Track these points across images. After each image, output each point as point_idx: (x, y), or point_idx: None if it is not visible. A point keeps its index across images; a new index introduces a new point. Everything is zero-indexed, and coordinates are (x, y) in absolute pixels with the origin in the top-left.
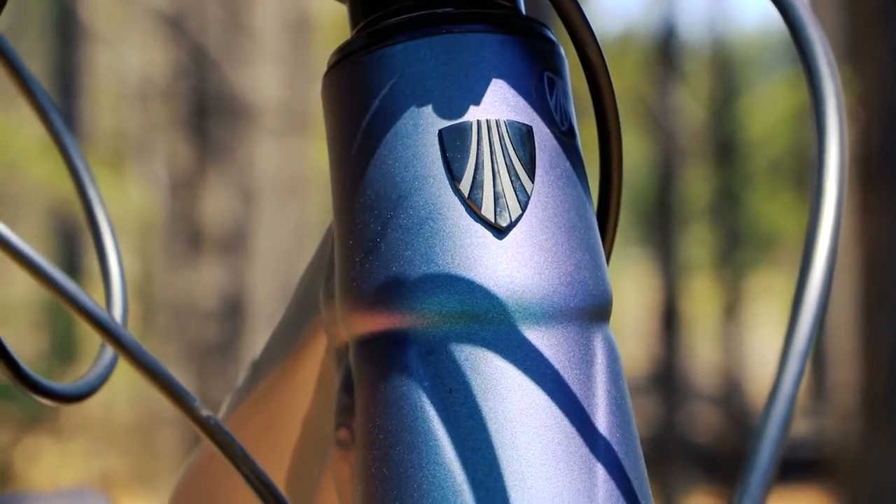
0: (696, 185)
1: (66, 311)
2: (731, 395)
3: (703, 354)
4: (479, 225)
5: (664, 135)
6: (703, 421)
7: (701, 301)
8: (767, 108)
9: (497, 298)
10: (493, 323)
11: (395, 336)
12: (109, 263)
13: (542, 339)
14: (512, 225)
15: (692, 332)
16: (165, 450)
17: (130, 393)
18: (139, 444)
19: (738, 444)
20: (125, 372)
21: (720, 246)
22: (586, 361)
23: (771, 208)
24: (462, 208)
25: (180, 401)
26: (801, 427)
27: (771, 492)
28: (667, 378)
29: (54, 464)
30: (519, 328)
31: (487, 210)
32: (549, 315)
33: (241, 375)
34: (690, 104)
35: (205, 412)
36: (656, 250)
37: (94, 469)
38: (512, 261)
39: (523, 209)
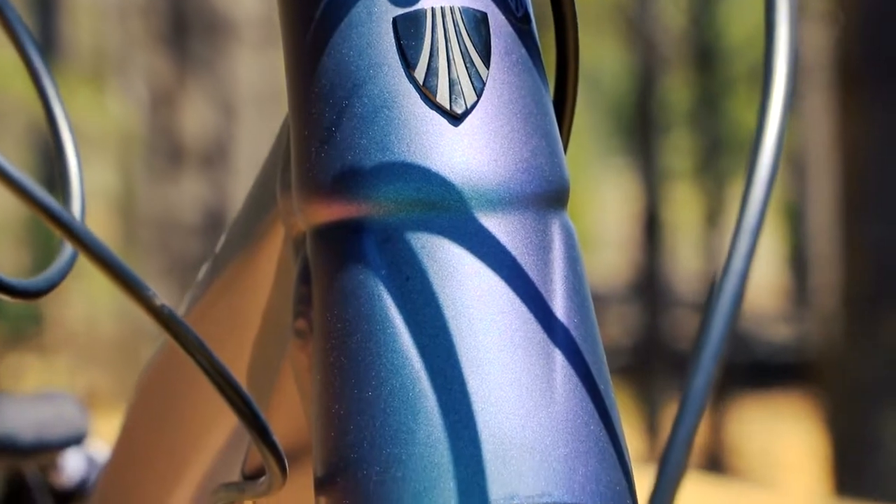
0: (676, 92)
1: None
2: None
3: (684, 262)
4: (434, 112)
5: (643, 42)
6: (686, 328)
7: (682, 208)
8: (748, 14)
9: (453, 185)
10: (449, 210)
11: (351, 224)
12: (67, 159)
13: (498, 225)
14: (467, 112)
15: (674, 239)
16: None
17: (113, 309)
18: (123, 360)
19: None
20: (108, 288)
21: (701, 153)
22: (544, 248)
23: (751, 115)
24: (417, 96)
25: (134, 291)
26: (783, 331)
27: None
28: (649, 286)
29: (39, 380)
30: (475, 215)
31: (443, 97)
32: (505, 201)
33: (202, 269)
34: (670, 11)
35: (159, 302)
36: (637, 159)
37: (79, 384)
38: (468, 148)
39: (479, 96)
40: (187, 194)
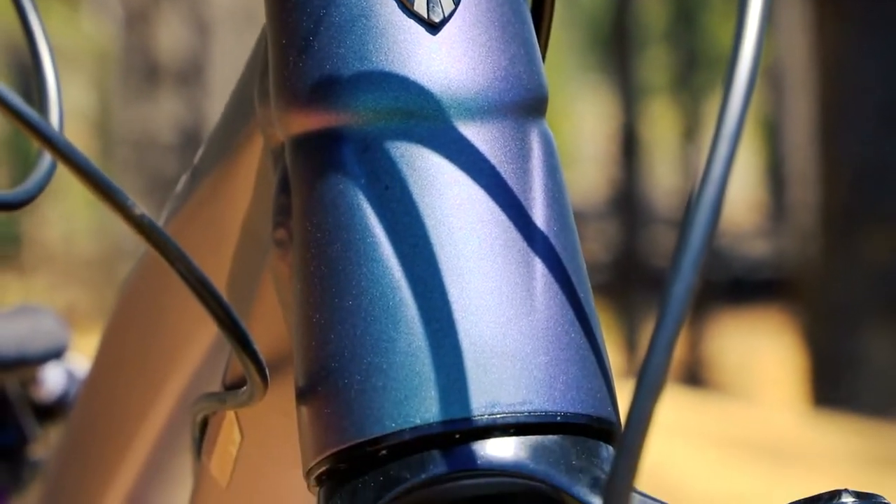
0: (653, 7)
1: (24, 144)
2: None
3: (662, 178)
4: (412, 21)
5: None
6: (663, 244)
7: (659, 125)
8: None
9: (431, 94)
10: (427, 119)
11: (329, 134)
12: (44, 70)
13: (477, 134)
14: (445, 20)
15: (651, 155)
16: None
17: (91, 228)
18: (101, 278)
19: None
20: (86, 207)
21: (677, 69)
22: (523, 156)
23: (728, 29)
24: (395, 4)
25: (114, 200)
26: (761, 248)
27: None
28: (627, 202)
29: (17, 299)
30: (454, 124)
31: (420, 5)
32: (484, 110)
33: (181, 181)
34: None
35: (139, 212)
36: (613, 75)
37: (58, 303)
38: (446, 56)
39: (456, 4)
40: (163, 113)
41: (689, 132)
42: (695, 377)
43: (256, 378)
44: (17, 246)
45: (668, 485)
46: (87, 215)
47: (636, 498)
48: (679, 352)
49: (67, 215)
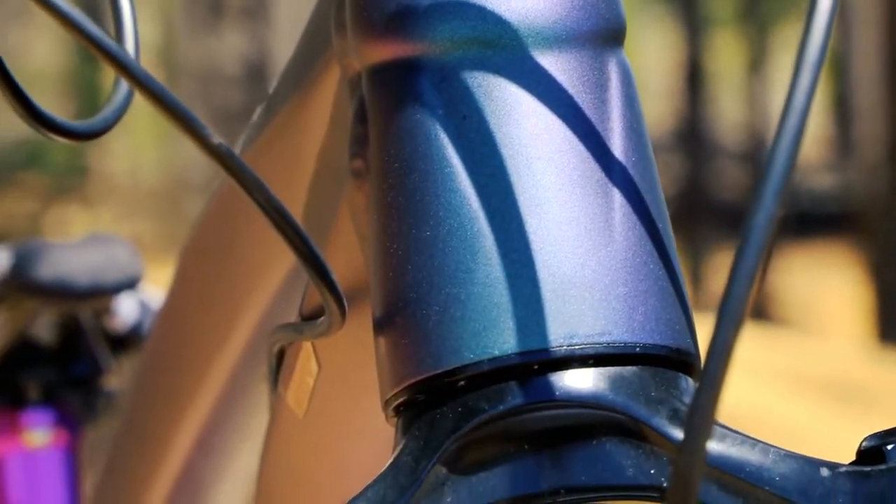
0: None
1: (90, 80)
2: (756, 150)
3: (727, 110)
4: None
5: None
6: (729, 177)
7: (725, 56)
8: None
9: (509, 23)
10: (505, 49)
11: (407, 64)
12: None
13: (555, 63)
14: None
15: (716, 88)
16: (192, 216)
17: (157, 160)
18: (167, 210)
19: None
20: (152, 139)
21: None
22: (601, 86)
23: None
24: None
25: (192, 129)
26: (827, 181)
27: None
28: (692, 135)
29: (83, 231)
30: (532, 53)
31: None
32: (561, 39)
33: (256, 112)
34: None
35: (216, 140)
36: (679, 7)
37: (123, 235)
38: None
39: None
40: (227, 46)
41: (755, 64)
42: (760, 312)
43: (335, 309)
44: (83, 178)
45: (730, 418)
46: (153, 147)
47: (717, 430)
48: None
49: (133, 147)
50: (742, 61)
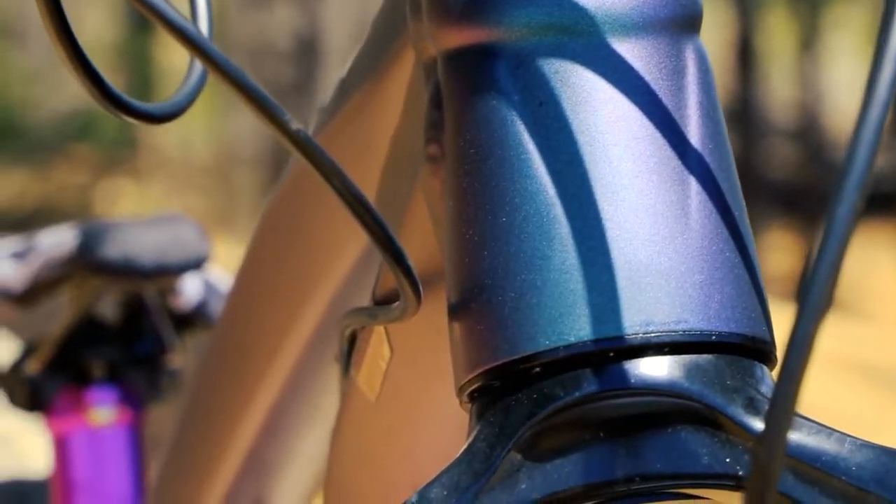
0: None
1: (141, 52)
2: (808, 129)
3: (779, 89)
4: None
5: None
6: (781, 156)
7: (777, 35)
8: None
9: (586, 10)
10: (582, 35)
11: (483, 49)
12: None
13: (632, 50)
14: None
15: (768, 66)
16: (243, 190)
17: (208, 134)
18: (217, 185)
19: (815, 179)
20: (203, 113)
21: None
22: (678, 73)
23: None
24: None
25: (269, 114)
26: (883, 160)
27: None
28: (743, 114)
29: (133, 205)
30: (608, 40)
31: None
32: (638, 26)
33: (329, 94)
34: None
35: (294, 126)
36: None
37: (173, 209)
38: None
39: None
40: (279, 20)
41: (807, 43)
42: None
43: (410, 294)
44: (134, 151)
45: None
46: (204, 122)
47: (797, 421)
48: (793, 267)
49: (184, 121)
50: (794, 40)
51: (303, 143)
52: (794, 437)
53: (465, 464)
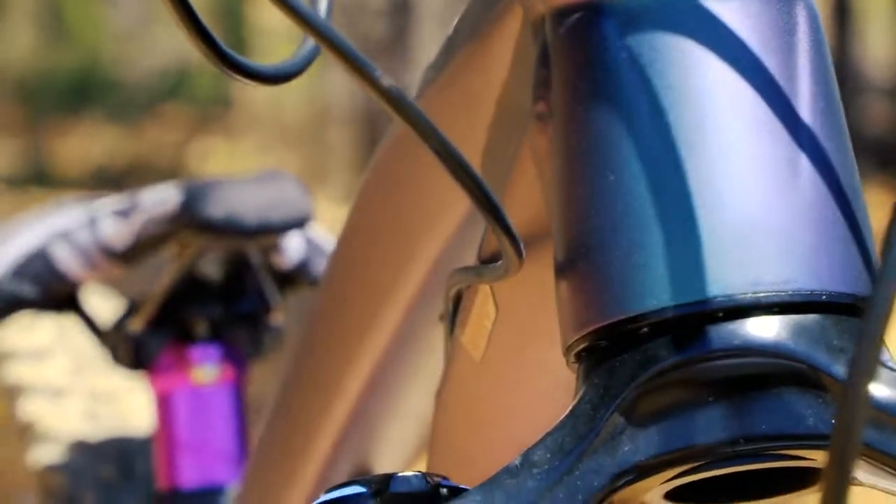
0: None
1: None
2: None
3: (875, 46)
4: None
5: None
6: (877, 113)
7: None
8: None
9: None
10: None
11: (592, 7)
12: None
13: (742, 8)
14: None
15: (864, 23)
16: (336, 148)
17: (300, 92)
18: (309, 143)
19: None
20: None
21: None
22: (788, 31)
23: None
24: None
25: (361, 70)
26: None
27: None
28: (839, 71)
29: (226, 162)
30: None
31: None
32: None
33: (436, 52)
34: None
35: (387, 82)
36: None
37: (266, 167)
38: None
39: None
40: None
41: None
42: None
43: (511, 253)
44: (227, 109)
45: None
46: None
47: (886, 374)
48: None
49: None
50: None
51: (397, 101)
52: (887, 391)
53: (569, 426)
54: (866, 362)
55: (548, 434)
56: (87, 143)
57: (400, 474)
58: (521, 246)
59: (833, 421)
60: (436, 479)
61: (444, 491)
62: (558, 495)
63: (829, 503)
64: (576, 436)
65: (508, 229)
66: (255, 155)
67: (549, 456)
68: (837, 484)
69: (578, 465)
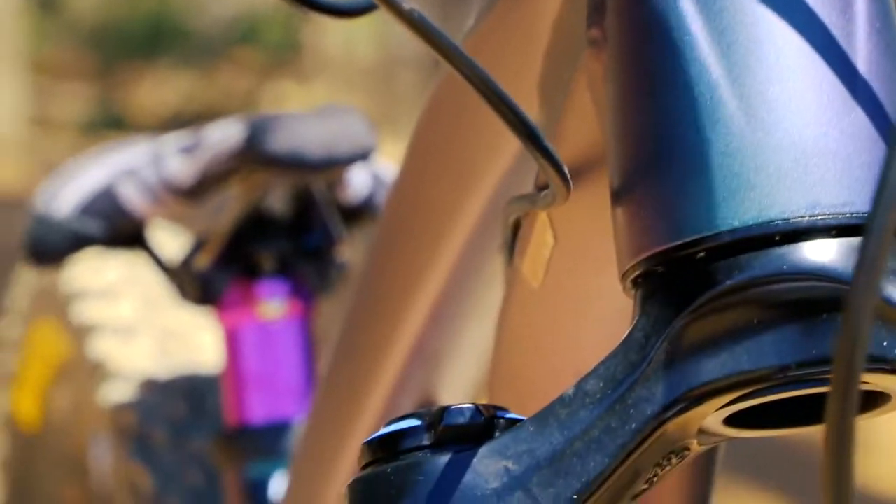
0: None
1: None
2: None
3: None
4: None
5: None
6: None
7: None
8: None
9: None
10: None
11: None
12: None
13: None
14: None
15: None
16: (406, 91)
17: (372, 35)
18: (380, 86)
19: None
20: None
21: None
22: None
23: None
24: None
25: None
26: None
27: None
28: None
29: (297, 106)
30: None
31: None
32: None
33: None
34: None
35: (408, 6)
36: None
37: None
38: None
39: None
40: None
41: None
42: None
43: (557, 180)
44: (298, 54)
45: None
46: (367, 22)
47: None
48: None
49: (348, 23)
50: None
51: (420, 27)
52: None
53: (622, 355)
54: (874, 256)
55: (601, 363)
56: (159, 89)
57: (454, 406)
58: (566, 173)
59: (886, 343)
60: (491, 410)
61: (500, 422)
62: (610, 424)
63: (836, 411)
64: (628, 364)
65: (552, 158)
66: (326, 99)
67: (601, 385)
68: (844, 386)
69: (630, 394)
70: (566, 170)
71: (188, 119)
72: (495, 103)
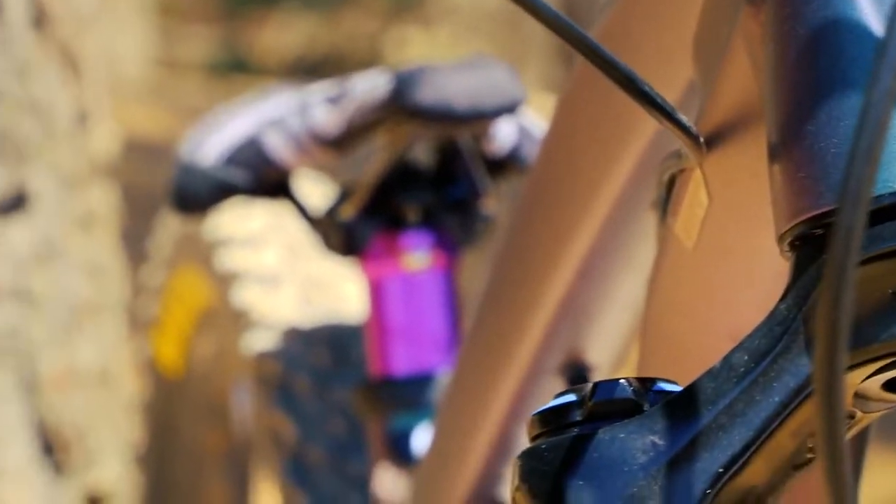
0: None
1: None
2: None
3: None
4: None
5: None
6: None
7: None
8: None
9: None
10: None
11: None
12: None
13: None
14: None
15: None
16: (533, 36)
17: None
18: (505, 32)
19: None
20: None
21: None
22: None
23: None
24: None
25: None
26: None
27: None
28: None
29: (422, 51)
30: None
31: None
32: None
33: None
34: None
35: (569, 22)
36: None
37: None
38: None
39: None
40: None
41: None
42: None
43: (688, 144)
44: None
45: None
46: None
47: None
48: None
49: None
50: None
51: (572, 34)
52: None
53: (767, 326)
54: (860, 184)
55: (748, 336)
56: (284, 32)
57: (604, 381)
58: (699, 138)
59: None
60: (641, 383)
61: (650, 395)
62: (754, 397)
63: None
64: (772, 337)
65: (682, 125)
66: (451, 43)
67: (746, 358)
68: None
69: (773, 367)
70: (697, 133)
71: (312, 63)
72: (617, 78)
